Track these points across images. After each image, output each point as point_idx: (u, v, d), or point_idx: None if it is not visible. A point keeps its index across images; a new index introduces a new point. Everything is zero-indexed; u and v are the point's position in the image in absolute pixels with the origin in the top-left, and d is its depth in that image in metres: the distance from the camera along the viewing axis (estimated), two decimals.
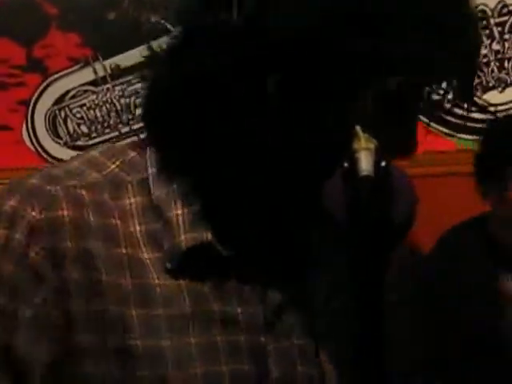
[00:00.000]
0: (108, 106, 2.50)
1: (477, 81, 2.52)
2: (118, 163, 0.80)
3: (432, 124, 2.21)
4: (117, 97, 2.50)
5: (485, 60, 2.53)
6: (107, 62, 2.45)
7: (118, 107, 2.55)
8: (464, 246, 2.17)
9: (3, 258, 0.75)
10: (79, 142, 2.50)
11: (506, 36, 2.55)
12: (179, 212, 0.78)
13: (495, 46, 2.53)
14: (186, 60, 0.76)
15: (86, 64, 2.46)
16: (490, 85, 2.54)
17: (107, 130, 2.49)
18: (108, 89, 2.49)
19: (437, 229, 2.23)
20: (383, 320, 0.73)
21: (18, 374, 0.75)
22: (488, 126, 2.34)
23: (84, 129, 2.50)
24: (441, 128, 2.54)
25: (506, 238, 2.07)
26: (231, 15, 0.74)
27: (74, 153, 2.51)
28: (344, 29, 0.71)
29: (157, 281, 0.77)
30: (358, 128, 0.71)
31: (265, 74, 0.73)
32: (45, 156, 2.48)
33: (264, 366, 0.78)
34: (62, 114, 2.50)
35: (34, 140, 2.49)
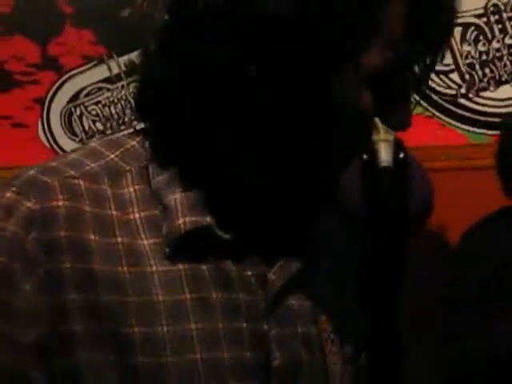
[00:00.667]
0: (123, 102, 2.50)
1: (490, 75, 2.53)
2: (117, 153, 0.81)
3: (444, 118, 2.13)
4: (132, 94, 2.45)
5: (498, 54, 2.52)
6: (122, 60, 2.45)
7: (133, 104, 2.57)
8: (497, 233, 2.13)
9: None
10: (95, 139, 2.47)
11: None
12: (177, 196, 0.78)
13: (508, 41, 2.51)
14: (181, 51, 0.75)
15: (101, 61, 2.47)
16: (503, 79, 2.52)
17: (122, 127, 2.50)
18: (123, 86, 2.49)
19: (447, 221, 2.24)
20: (398, 309, 0.72)
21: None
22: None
23: (99, 126, 2.50)
24: (453, 122, 2.54)
25: None
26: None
27: None
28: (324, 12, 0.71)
29: (155, 267, 0.77)
30: (376, 120, 0.72)
31: (260, 66, 0.73)
32: (60, 153, 2.46)
33: (266, 354, 0.78)
34: (78, 111, 2.50)
35: (49, 137, 2.49)
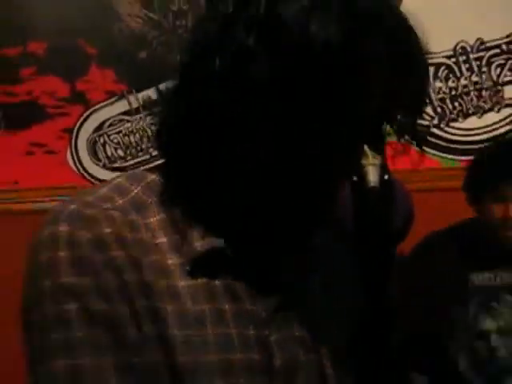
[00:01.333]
0: (141, 132, 2.64)
1: (458, 108, 2.75)
2: (140, 187, 0.86)
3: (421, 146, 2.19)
4: (148, 124, 2.63)
5: (465, 90, 2.74)
6: (140, 95, 2.61)
7: (149, 133, 2.66)
8: (441, 246, 2.30)
9: (79, 273, 0.79)
10: (116, 164, 2.65)
11: (484, 69, 2.73)
12: (193, 226, 0.83)
13: (474, 78, 2.72)
14: (190, 95, 0.79)
15: (121, 97, 2.62)
16: (470, 112, 2.74)
17: (140, 154, 2.64)
18: (141, 118, 2.63)
19: (421, 233, 2.27)
20: (387, 309, 0.78)
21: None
22: (482, 152, 2.40)
23: (120, 152, 2.65)
24: (427, 149, 2.75)
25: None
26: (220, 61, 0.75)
27: (111, 173, 2.68)
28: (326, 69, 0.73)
29: (179, 281, 0.82)
30: (365, 147, 0.77)
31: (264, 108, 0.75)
32: (86, 176, 2.63)
33: (269, 355, 0.83)
34: (101, 139, 2.64)
35: (76, 162, 2.63)
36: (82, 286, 0.78)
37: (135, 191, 0.85)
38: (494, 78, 2.77)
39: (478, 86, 2.76)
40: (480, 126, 2.77)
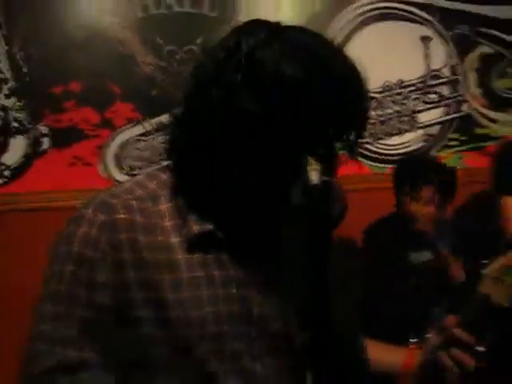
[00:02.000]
0: (153, 149, 2.96)
1: (385, 130, 3.21)
2: (155, 183, 0.92)
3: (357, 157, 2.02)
4: (159, 143, 2.94)
5: (390, 116, 3.23)
6: (152, 121, 2.93)
7: (160, 150, 2.90)
8: (383, 231, 2.55)
9: (86, 246, 0.88)
10: (135, 172, 2.96)
11: (404, 101, 3.26)
12: (192, 214, 0.89)
13: (396, 108, 3.24)
14: (193, 119, 0.86)
15: (138, 122, 2.95)
16: (393, 132, 3.28)
17: (153, 165, 2.92)
18: (153, 138, 2.95)
19: (355, 222, 2.32)
20: (328, 281, 0.82)
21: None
22: (401, 162, 2.71)
23: (138, 164, 2.97)
24: (362, 159, 3.21)
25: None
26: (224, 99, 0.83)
27: None
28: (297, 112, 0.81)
29: (180, 256, 0.89)
30: (310, 158, 0.82)
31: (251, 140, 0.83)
32: (113, 181, 2.92)
33: (249, 308, 0.91)
34: (124, 154, 2.95)
35: (106, 172, 2.94)
36: (83, 256, 0.87)
37: (151, 186, 0.91)
38: (411, 107, 3.30)
39: (399, 114, 3.28)
40: (400, 142, 3.30)
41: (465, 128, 3.42)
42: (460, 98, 3.42)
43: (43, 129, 2.89)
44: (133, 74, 3.01)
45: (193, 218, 0.90)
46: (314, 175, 0.81)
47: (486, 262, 1.26)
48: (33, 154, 2.89)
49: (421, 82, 3.35)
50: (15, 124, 2.86)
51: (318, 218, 0.80)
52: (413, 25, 3.30)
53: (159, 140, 2.97)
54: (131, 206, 0.89)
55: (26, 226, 2.68)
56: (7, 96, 2.86)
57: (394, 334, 1.82)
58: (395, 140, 3.33)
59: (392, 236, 2.50)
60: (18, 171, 2.87)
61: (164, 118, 2.93)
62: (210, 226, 0.89)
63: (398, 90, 3.31)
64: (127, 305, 0.88)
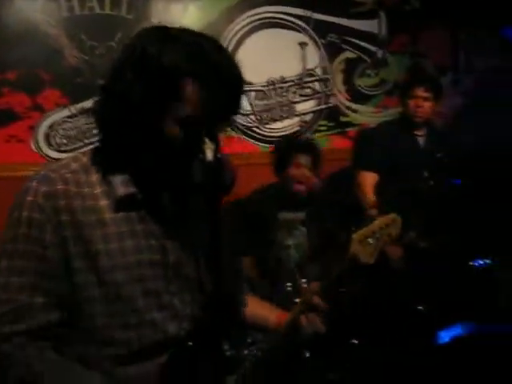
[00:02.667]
0: (78, 129, 3.27)
1: (270, 116, 3.57)
2: (87, 158, 1.05)
3: (246, 138, 3.13)
4: (83, 124, 3.25)
5: (273, 106, 3.61)
6: (78, 105, 3.23)
7: (84, 130, 3.28)
8: (264, 195, 2.74)
9: (33, 211, 0.99)
10: (62, 148, 3.26)
11: (284, 93, 3.63)
12: (117, 179, 1.01)
13: (278, 99, 3.62)
14: (109, 103, 0.99)
15: (65, 107, 3.25)
16: (276, 118, 3.70)
17: (77, 141, 3.26)
18: (78, 120, 3.25)
19: (246, 191, 2.73)
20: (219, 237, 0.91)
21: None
22: (279, 141, 3.05)
23: (64, 141, 3.26)
24: (251, 140, 3.62)
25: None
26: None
27: (59, 154, 3.23)
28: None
29: (107, 215, 1.01)
30: (206, 139, 0.94)
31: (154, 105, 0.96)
32: (44, 156, 3.22)
33: (166, 255, 1.03)
34: (53, 133, 3.25)
35: (37, 148, 3.22)
36: (32, 219, 0.98)
37: (84, 160, 1.03)
38: (290, 99, 3.72)
39: (280, 104, 3.69)
40: (281, 127, 3.71)
41: (332, 116, 3.83)
42: (329, 93, 3.82)
43: None
44: (61, 64, 3.25)
45: (117, 183, 1.02)
46: (209, 153, 0.91)
47: (354, 228, 1.38)
48: None
49: (298, 79, 3.71)
50: None
51: (214, 186, 0.90)
52: (293, 32, 3.70)
53: (83, 121, 3.25)
54: (67, 179, 1.02)
55: None
56: None
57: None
58: (277, 125, 3.72)
59: (273, 197, 2.77)
60: None
61: (87, 103, 3.21)
62: (132, 189, 1.01)
63: (280, 85, 3.66)
64: (67, 258, 1.00)
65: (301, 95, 3.73)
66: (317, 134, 3.77)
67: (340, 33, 3.82)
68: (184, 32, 1.01)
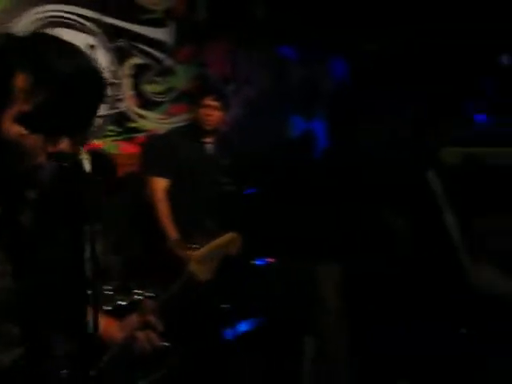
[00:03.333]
0: None
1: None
2: None
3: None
4: None
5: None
6: None
7: None
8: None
9: None
10: None
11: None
12: None
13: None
14: None
15: None
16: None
17: None
18: None
19: None
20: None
21: None
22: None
23: None
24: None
25: None
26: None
27: None
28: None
29: None
30: (84, 153, 0.96)
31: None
32: None
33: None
34: None
35: None
36: None
37: None
38: None
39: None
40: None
41: (120, 122, 3.83)
42: (118, 98, 3.80)
43: None
44: None
45: None
46: (86, 164, 0.96)
47: (195, 246, 1.50)
48: None
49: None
50: None
51: (90, 185, 0.96)
52: (83, 34, 3.63)
53: None
54: None
55: None
56: None
57: None
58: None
59: None
60: None
61: None
62: None
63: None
64: None
65: None
66: (106, 140, 3.76)
67: (130, 38, 3.85)
68: (26, 33, 1.03)
